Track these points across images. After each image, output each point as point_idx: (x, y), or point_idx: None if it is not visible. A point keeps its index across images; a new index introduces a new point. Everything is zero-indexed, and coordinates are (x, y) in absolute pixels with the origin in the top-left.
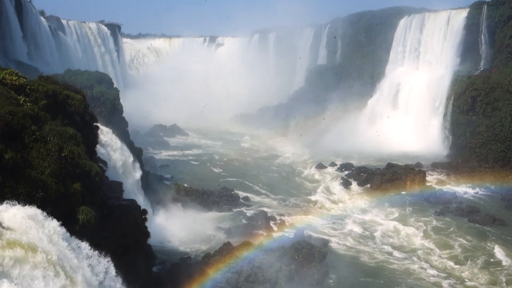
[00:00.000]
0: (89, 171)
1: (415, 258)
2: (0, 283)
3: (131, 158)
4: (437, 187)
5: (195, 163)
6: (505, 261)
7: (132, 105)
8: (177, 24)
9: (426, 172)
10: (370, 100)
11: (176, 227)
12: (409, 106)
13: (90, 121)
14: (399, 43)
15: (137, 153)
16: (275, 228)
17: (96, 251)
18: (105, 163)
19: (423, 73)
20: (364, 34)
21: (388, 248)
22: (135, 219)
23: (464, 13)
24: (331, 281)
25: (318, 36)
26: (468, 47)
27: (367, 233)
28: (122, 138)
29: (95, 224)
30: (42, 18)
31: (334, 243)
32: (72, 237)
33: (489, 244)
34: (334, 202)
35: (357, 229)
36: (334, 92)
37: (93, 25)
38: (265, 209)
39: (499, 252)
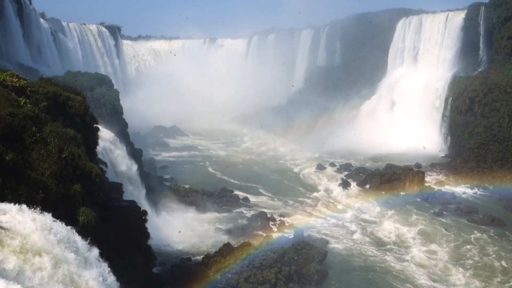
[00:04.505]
0: (89, 172)
1: (414, 259)
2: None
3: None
4: (436, 187)
5: (195, 164)
6: (504, 261)
7: (132, 107)
8: (176, 26)
9: (425, 173)
10: (369, 101)
11: (176, 228)
12: (408, 107)
13: (90, 123)
14: (398, 45)
15: (137, 154)
16: (274, 229)
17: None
18: (105, 164)
19: (421, 74)
20: (363, 35)
21: (387, 249)
22: (135, 220)
23: (462, 15)
24: (330, 281)
25: (317, 37)
26: (466, 48)
27: (366, 233)
28: (122, 140)
29: (95, 225)
30: (42, 20)
31: (334, 244)
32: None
33: (488, 244)
34: (333, 202)
35: (357, 230)
36: (333, 93)
37: (93, 27)
38: (265, 210)
39: (498, 252)
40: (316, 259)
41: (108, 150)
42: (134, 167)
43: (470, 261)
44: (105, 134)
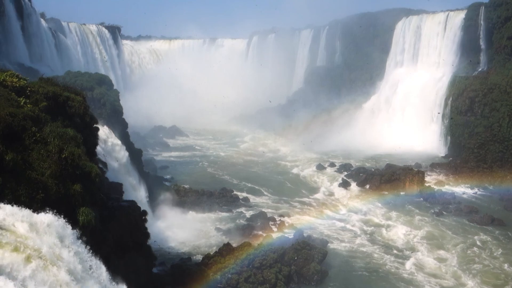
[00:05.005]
0: (89, 172)
1: (413, 260)
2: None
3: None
4: (436, 187)
5: (195, 164)
6: (504, 262)
7: (132, 107)
8: (176, 26)
9: (425, 173)
10: (369, 101)
11: (176, 228)
12: (408, 107)
13: (90, 123)
14: (398, 45)
15: (137, 154)
16: (274, 229)
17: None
18: (105, 164)
19: (421, 74)
20: (363, 35)
21: (387, 249)
22: (135, 220)
23: (461, 15)
24: (330, 281)
25: (317, 37)
26: (466, 48)
27: (366, 233)
28: (123, 140)
29: (95, 225)
30: (42, 20)
31: (334, 244)
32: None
33: (488, 244)
34: (333, 202)
35: (357, 230)
36: (333, 93)
37: (93, 27)
38: (265, 210)
39: (506, 256)
40: (316, 259)
41: (117, 173)
42: (144, 195)
43: (478, 266)
44: (118, 152)
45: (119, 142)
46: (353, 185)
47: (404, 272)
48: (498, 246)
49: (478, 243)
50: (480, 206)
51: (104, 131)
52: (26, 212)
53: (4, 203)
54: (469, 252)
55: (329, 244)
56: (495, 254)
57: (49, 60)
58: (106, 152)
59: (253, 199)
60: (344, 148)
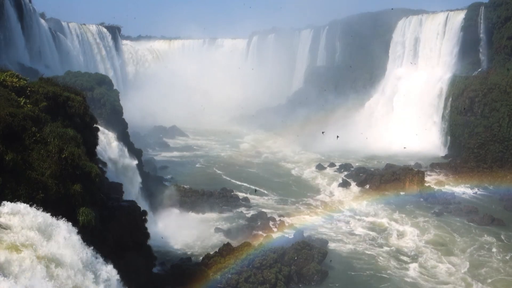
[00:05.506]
0: (89, 173)
1: (412, 260)
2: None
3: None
4: (436, 187)
5: (194, 164)
6: (504, 262)
7: (132, 107)
8: (176, 26)
9: (425, 173)
10: (369, 101)
11: (176, 228)
12: (408, 107)
13: (90, 123)
14: (398, 45)
15: (137, 154)
16: (274, 229)
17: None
18: (105, 164)
19: (421, 74)
20: (363, 35)
21: (386, 249)
22: (135, 220)
23: (461, 15)
24: (330, 281)
25: (317, 37)
26: (466, 48)
27: (366, 233)
28: (122, 140)
29: (95, 225)
30: (42, 20)
31: (334, 244)
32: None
33: (488, 245)
34: (333, 202)
35: (356, 230)
36: (333, 93)
37: (93, 27)
38: (265, 210)
39: (507, 257)
40: (316, 259)
41: None
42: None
43: (467, 263)
44: (130, 178)
45: (133, 163)
46: (353, 185)
47: (408, 275)
48: (505, 249)
49: (485, 245)
50: (480, 206)
51: (116, 145)
52: (76, 240)
53: (59, 217)
54: (476, 256)
55: (328, 244)
56: (500, 257)
57: (49, 60)
58: (115, 176)
59: (253, 199)
60: (343, 148)
